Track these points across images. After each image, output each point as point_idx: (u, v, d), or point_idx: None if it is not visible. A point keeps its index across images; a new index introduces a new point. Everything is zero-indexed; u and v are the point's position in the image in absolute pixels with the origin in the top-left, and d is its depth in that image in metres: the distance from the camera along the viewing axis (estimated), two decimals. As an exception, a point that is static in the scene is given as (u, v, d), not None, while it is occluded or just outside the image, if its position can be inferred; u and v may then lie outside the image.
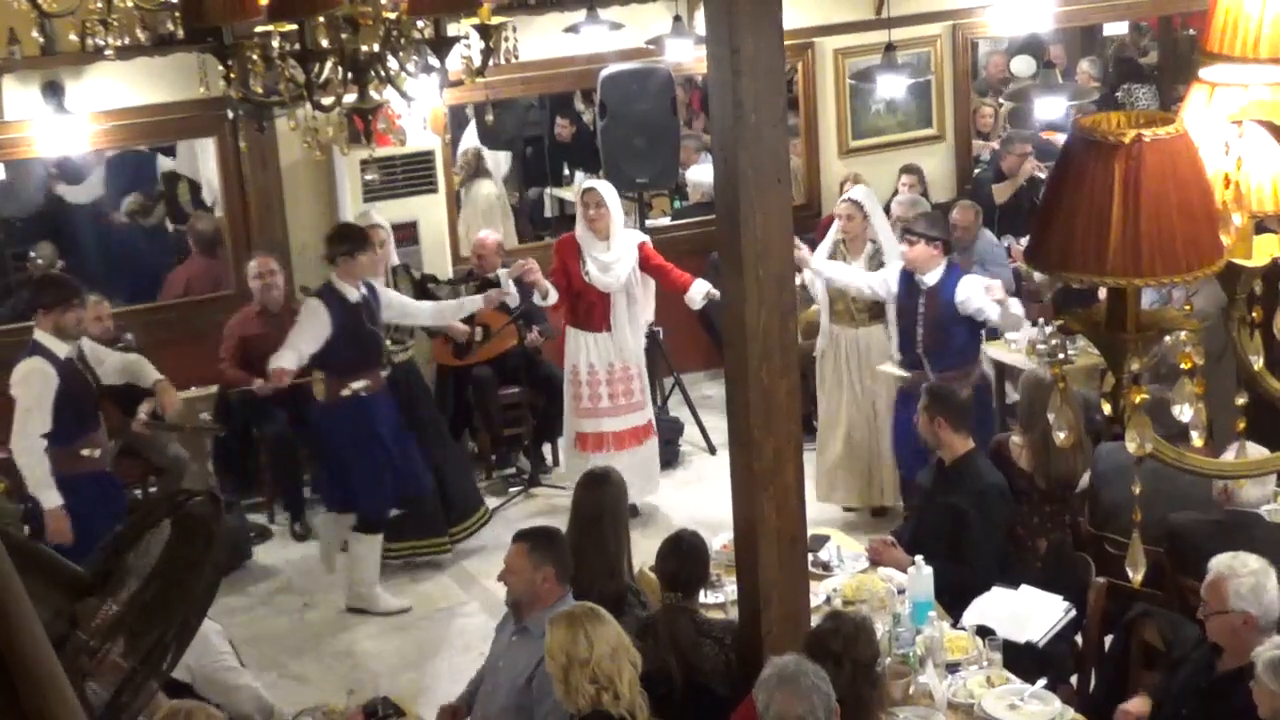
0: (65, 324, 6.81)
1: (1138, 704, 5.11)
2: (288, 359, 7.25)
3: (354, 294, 7.39)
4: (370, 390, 7.45)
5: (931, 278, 7.60)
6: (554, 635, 4.59)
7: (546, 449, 9.32)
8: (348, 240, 7.46)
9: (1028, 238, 2.13)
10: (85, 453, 6.90)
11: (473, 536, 8.16)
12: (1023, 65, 13.42)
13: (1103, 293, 2.03)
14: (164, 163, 11.12)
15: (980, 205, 9.56)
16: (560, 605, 5.01)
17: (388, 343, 7.83)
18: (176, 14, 6.60)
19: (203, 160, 11.15)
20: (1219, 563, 4.87)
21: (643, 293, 8.35)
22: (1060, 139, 10.16)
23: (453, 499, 8.08)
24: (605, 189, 8.20)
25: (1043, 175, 10.47)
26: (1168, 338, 2.10)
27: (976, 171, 10.96)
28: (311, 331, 7.32)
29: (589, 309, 8.14)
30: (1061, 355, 7.11)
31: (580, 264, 8.07)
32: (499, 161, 12.14)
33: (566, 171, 12.72)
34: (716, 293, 8.27)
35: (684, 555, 5.32)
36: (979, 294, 7.54)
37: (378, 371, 7.52)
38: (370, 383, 7.44)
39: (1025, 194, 10.24)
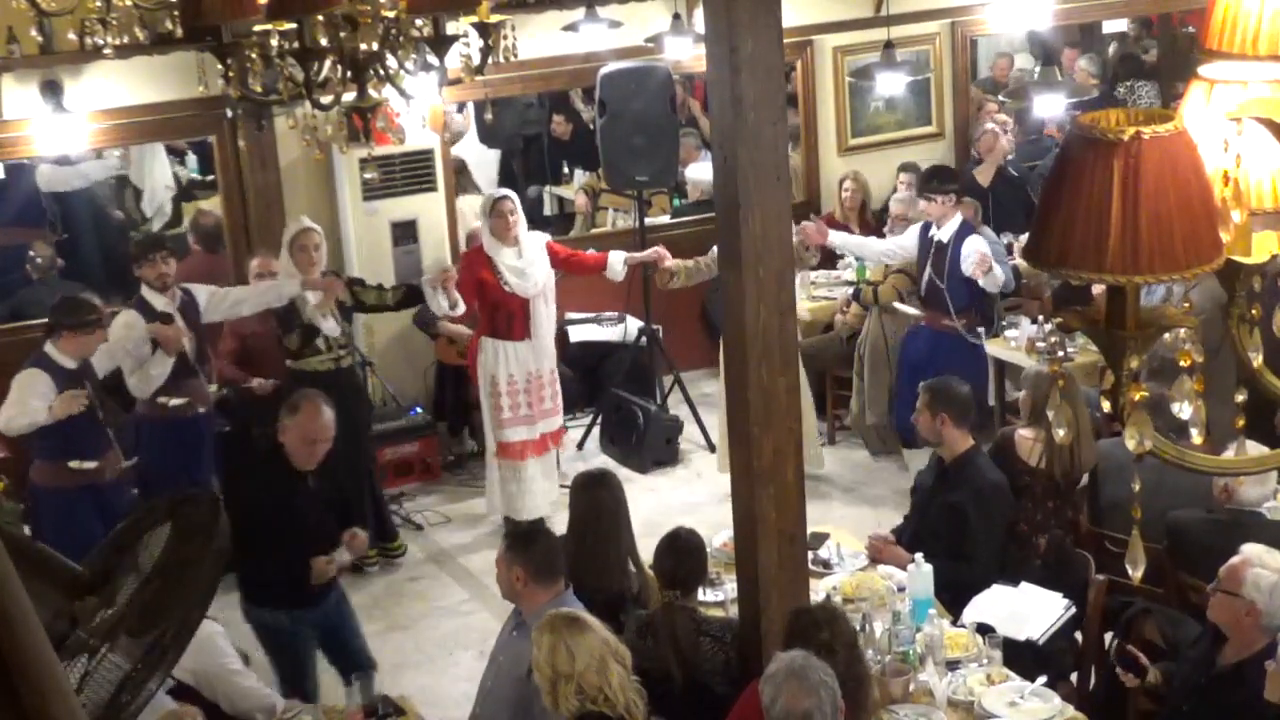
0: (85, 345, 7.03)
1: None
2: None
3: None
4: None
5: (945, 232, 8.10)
6: (540, 645, 4.56)
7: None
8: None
9: (1026, 235, 2.14)
10: (74, 465, 6.99)
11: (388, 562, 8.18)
12: (1024, 63, 13.43)
13: (1096, 289, 2.03)
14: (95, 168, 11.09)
15: (974, 197, 9.56)
16: (556, 604, 5.00)
17: (330, 346, 7.82)
18: (175, 13, 6.60)
19: (149, 168, 11.19)
20: (1250, 549, 4.90)
21: (553, 295, 8.27)
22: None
23: (385, 516, 8.14)
24: (515, 196, 8.19)
25: (1008, 137, 10.48)
26: (1166, 335, 2.09)
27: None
28: None
29: (509, 318, 8.00)
30: (1060, 353, 7.12)
31: (495, 274, 7.93)
32: (488, 167, 12.07)
33: (565, 170, 12.72)
34: (635, 256, 8.40)
35: (680, 553, 5.32)
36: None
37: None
38: None
39: (1023, 189, 10.25)
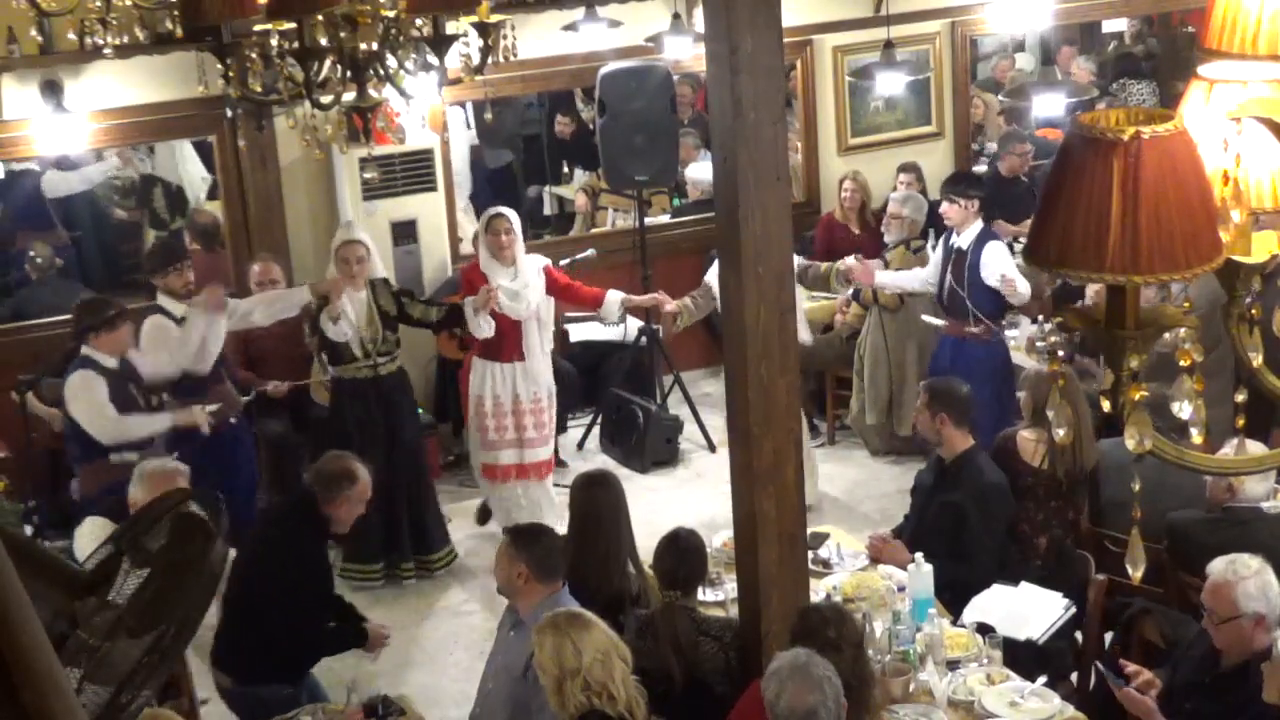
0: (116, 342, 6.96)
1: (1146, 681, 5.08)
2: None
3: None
4: None
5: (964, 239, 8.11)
6: (542, 647, 4.56)
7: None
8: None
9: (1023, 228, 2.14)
10: (115, 459, 6.90)
11: (435, 572, 8.04)
12: (1024, 62, 13.42)
13: (1092, 288, 2.02)
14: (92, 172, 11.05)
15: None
16: (552, 602, 5.01)
17: (368, 354, 7.74)
18: (175, 12, 6.60)
19: (182, 162, 11.17)
20: (1220, 570, 4.83)
21: (549, 317, 8.17)
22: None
23: (426, 528, 8.01)
24: (513, 215, 8.02)
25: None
26: (1166, 334, 2.09)
27: (980, 169, 10.95)
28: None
29: (500, 340, 7.83)
30: (1060, 353, 7.10)
31: None
32: (462, 182, 12.02)
33: (565, 169, 12.72)
34: (634, 300, 8.30)
35: (681, 553, 5.32)
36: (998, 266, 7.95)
37: None
38: None
39: (1024, 186, 10.24)
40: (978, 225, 8.11)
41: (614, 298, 8.21)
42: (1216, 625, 4.83)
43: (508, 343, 7.90)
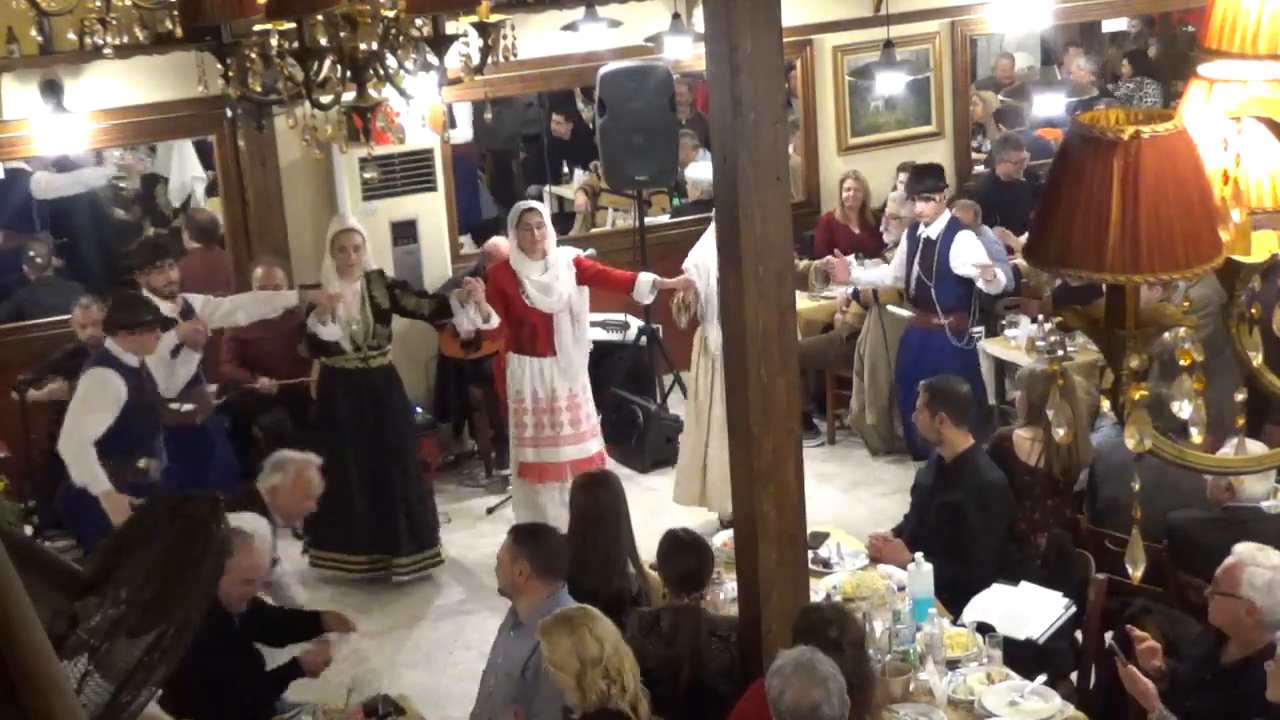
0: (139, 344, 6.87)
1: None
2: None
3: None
4: None
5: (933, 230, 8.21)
6: (557, 644, 4.55)
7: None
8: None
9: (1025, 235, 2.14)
10: (143, 464, 6.89)
11: (422, 573, 7.98)
12: (1024, 62, 13.43)
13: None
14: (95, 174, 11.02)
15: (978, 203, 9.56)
16: (552, 602, 5.01)
17: (364, 348, 7.75)
18: (175, 12, 6.60)
19: (175, 161, 11.16)
20: (1242, 549, 4.89)
21: (584, 311, 8.08)
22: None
23: (415, 528, 7.95)
24: (545, 209, 7.97)
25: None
26: (1166, 334, 2.09)
27: (977, 170, 10.95)
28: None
29: (532, 333, 7.81)
30: (1060, 352, 7.11)
31: (518, 288, 7.75)
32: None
33: (565, 169, 12.72)
34: (665, 281, 8.23)
35: (689, 553, 5.31)
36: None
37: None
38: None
39: (1024, 186, 10.25)
40: (946, 216, 8.16)
41: (645, 279, 8.16)
42: (1212, 595, 4.88)
43: (540, 337, 7.85)
